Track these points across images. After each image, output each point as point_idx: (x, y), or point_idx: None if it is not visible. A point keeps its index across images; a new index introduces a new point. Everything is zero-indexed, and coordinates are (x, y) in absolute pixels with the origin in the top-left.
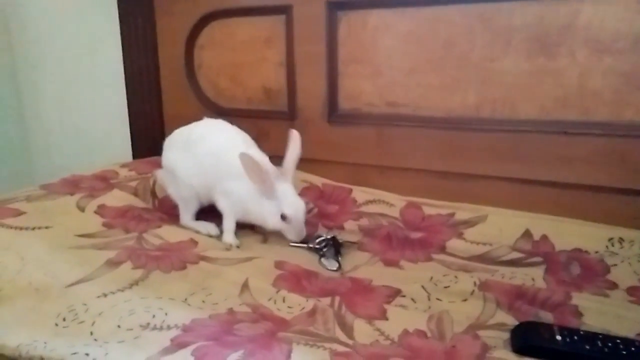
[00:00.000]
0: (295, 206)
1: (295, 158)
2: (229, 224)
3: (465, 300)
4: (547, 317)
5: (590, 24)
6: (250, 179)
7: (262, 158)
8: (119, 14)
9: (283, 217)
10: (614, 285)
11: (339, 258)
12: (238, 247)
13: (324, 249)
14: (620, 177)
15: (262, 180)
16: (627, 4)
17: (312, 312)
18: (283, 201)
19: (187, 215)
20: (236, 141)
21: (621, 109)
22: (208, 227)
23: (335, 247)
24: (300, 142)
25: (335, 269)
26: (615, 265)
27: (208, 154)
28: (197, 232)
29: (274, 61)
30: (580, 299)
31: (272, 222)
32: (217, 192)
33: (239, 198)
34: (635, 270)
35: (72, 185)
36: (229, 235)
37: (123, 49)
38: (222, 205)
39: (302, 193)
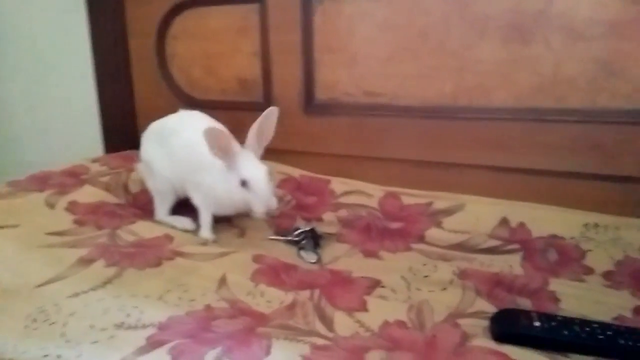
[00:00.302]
0: (254, 169)
1: (257, 128)
2: (205, 218)
3: (444, 289)
4: (525, 303)
5: (564, 10)
6: (212, 153)
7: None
8: (87, 3)
9: (243, 183)
10: (589, 270)
11: (318, 250)
12: (215, 241)
13: (303, 241)
14: (594, 163)
15: (225, 151)
16: None
17: (292, 306)
18: (242, 168)
19: (162, 210)
20: None
21: (595, 95)
22: (184, 221)
23: (314, 239)
24: (276, 118)
25: (314, 261)
26: (590, 250)
27: (182, 146)
28: (173, 227)
29: (248, 51)
30: (557, 285)
31: (236, 194)
32: (190, 186)
33: (210, 189)
34: (610, 255)
35: (40, 181)
36: (205, 230)
37: (92, 40)
38: (197, 199)
39: (280, 185)
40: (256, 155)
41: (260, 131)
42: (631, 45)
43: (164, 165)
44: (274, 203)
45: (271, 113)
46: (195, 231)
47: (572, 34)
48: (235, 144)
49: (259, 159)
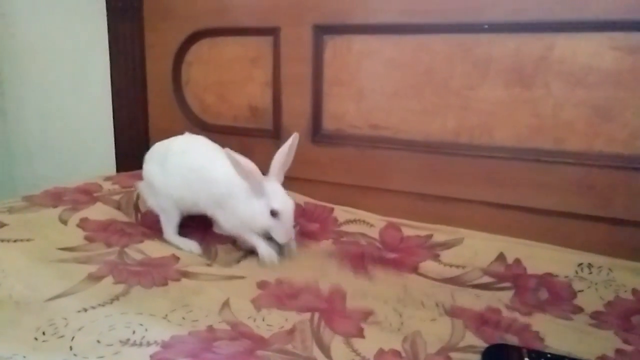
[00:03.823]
0: (284, 201)
1: (283, 158)
2: (251, 240)
3: (434, 320)
4: (513, 340)
5: (564, 57)
6: (239, 174)
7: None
8: (108, 26)
9: (273, 213)
10: (579, 310)
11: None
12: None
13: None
14: (590, 205)
15: (247, 177)
16: (598, 40)
17: (291, 331)
18: (272, 197)
19: (169, 229)
20: (222, 159)
21: (592, 139)
22: (190, 245)
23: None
24: (295, 148)
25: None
26: (581, 290)
27: (192, 169)
28: (179, 249)
29: (260, 80)
30: (542, 321)
31: (260, 220)
32: (215, 211)
33: (233, 211)
34: (601, 296)
35: (54, 197)
36: (263, 250)
37: (110, 62)
38: (228, 227)
39: None
40: (280, 183)
41: (285, 159)
42: (627, 93)
43: (169, 184)
44: (293, 233)
45: (294, 140)
46: (201, 255)
47: (571, 79)
48: (258, 170)
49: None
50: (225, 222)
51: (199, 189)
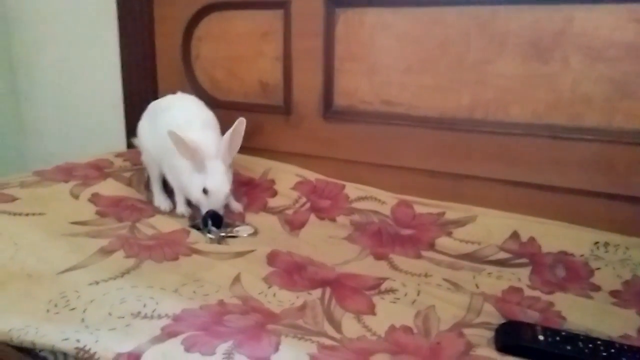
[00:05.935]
0: (218, 183)
1: (229, 139)
2: (178, 196)
3: (451, 297)
4: (533, 316)
5: (583, 30)
6: (180, 154)
7: (208, 138)
8: (117, 1)
9: (204, 191)
10: (597, 288)
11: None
12: (185, 215)
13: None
14: (607, 182)
15: (192, 156)
16: (619, 12)
17: (302, 307)
18: (210, 177)
19: (154, 180)
20: (194, 121)
21: (611, 115)
22: (163, 201)
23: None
24: (243, 130)
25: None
26: (599, 268)
27: (166, 126)
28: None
29: (270, 56)
30: (564, 300)
31: (194, 193)
32: (164, 166)
33: (178, 173)
34: (618, 274)
35: (66, 172)
36: (180, 206)
37: (120, 37)
38: (169, 179)
39: (296, 187)
40: (226, 163)
41: (231, 141)
42: None
43: (150, 141)
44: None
45: (240, 124)
46: (172, 210)
47: (590, 53)
48: (207, 149)
49: (229, 167)
50: (173, 179)
51: (166, 145)
